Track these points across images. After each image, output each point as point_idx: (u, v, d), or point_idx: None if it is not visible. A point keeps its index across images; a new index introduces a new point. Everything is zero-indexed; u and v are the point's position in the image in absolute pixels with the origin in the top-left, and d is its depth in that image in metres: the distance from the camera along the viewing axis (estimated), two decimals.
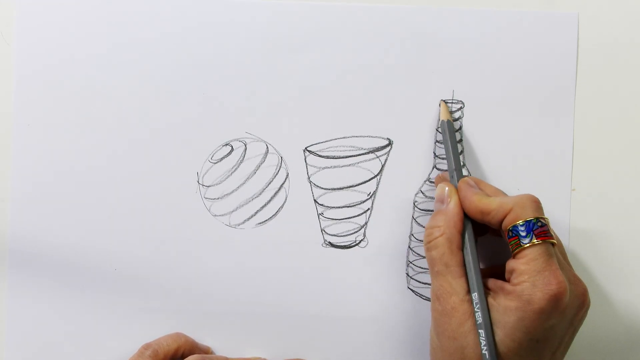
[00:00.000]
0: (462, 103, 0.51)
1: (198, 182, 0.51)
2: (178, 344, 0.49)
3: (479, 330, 0.40)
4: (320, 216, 0.51)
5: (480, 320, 0.40)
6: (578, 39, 0.51)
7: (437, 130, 0.51)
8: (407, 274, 0.52)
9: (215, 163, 0.51)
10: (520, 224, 0.41)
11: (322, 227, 0.51)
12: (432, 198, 0.51)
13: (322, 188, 0.51)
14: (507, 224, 0.42)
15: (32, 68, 0.51)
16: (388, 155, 0.51)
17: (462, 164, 0.51)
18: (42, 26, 0.51)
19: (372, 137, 0.51)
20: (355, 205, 0.52)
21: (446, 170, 0.51)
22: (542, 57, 0.51)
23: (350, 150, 0.51)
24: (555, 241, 0.41)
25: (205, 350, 0.51)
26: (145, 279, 0.51)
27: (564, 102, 0.51)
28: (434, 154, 0.51)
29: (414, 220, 0.51)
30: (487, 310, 0.41)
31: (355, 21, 0.51)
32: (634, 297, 0.52)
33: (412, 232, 0.51)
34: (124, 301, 0.51)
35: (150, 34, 0.51)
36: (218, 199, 0.51)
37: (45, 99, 0.51)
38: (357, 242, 0.52)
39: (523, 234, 0.41)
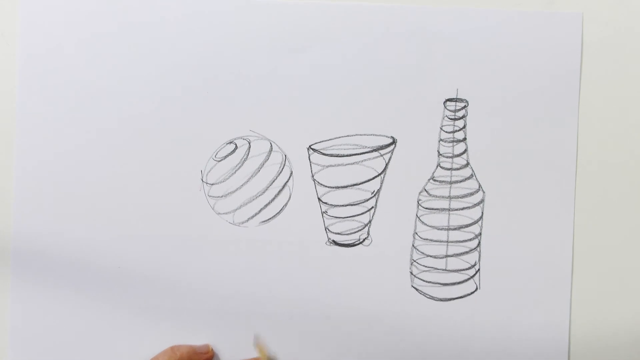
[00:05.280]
0: (467, 102, 0.51)
1: (202, 180, 0.51)
2: None
3: None
4: (324, 214, 0.51)
5: None
6: (582, 39, 0.51)
7: (441, 128, 0.51)
8: (411, 273, 0.52)
9: (219, 161, 0.51)
10: None
11: (326, 225, 0.51)
12: (437, 196, 0.51)
13: (326, 186, 0.51)
14: None
15: (36, 67, 0.51)
16: (392, 153, 0.51)
17: (466, 162, 0.51)
18: (45, 26, 0.51)
19: (376, 135, 0.51)
20: (359, 203, 0.52)
21: (449, 169, 0.51)
22: (546, 57, 0.51)
23: (354, 149, 0.51)
24: None
25: (204, 350, 0.51)
26: (148, 277, 0.51)
27: (568, 102, 0.51)
28: (438, 152, 0.51)
29: (417, 219, 0.51)
30: None
31: (359, 20, 0.51)
32: (637, 296, 0.52)
33: (416, 231, 0.51)
34: (127, 299, 0.51)
35: (154, 33, 0.51)
36: (222, 196, 0.51)
37: (49, 99, 0.51)
38: (360, 240, 0.52)
39: None
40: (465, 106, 0.51)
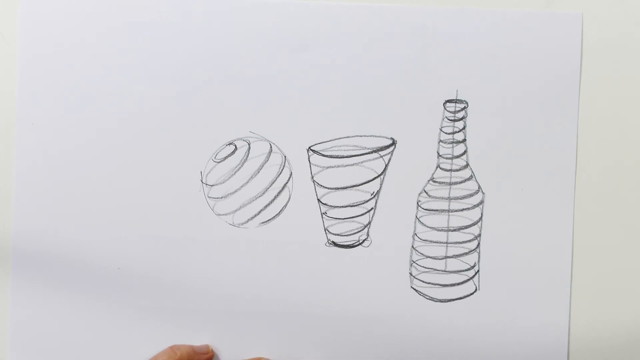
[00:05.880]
0: (466, 103, 0.51)
1: (202, 181, 0.51)
2: None
3: None
4: (324, 215, 0.51)
5: None
6: (582, 39, 0.51)
7: (440, 130, 0.51)
8: (411, 274, 0.52)
9: (218, 162, 0.51)
10: None
11: (325, 226, 0.52)
12: (436, 197, 0.51)
13: (326, 187, 0.51)
14: None
15: (36, 68, 0.51)
16: (392, 154, 0.51)
17: (465, 163, 0.51)
18: (45, 25, 0.51)
19: (375, 136, 0.51)
20: (358, 204, 0.52)
21: (449, 170, 0.51)
22: (546, 58, 0.51)
23: (353, 150, 0.51)
24: None
25: (204, 351, 0.51)
26: (148, 278, 0.51)
27: (567, 103, 0.51)
28: (438, 153, 0.51)
29: (417, 220, 0.51)
30: None
31: (359, 20, 0.51)
32: (637, 296, 0.52)
33: (416, 232, 0.51)
34: (127, 299, 0.51)
35: (153, 34, 0.51)
36: (221, 198, 0.51)
37: (49, 99, 0.51)
38: (360, 241, 0.52)
39: None
40: (465, 107, 0.51)
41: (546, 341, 0.51)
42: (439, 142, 0.51)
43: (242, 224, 0.51)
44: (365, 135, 0.51)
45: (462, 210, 0.51)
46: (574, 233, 0.51)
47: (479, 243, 0.51)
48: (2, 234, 0.51)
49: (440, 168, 0.51)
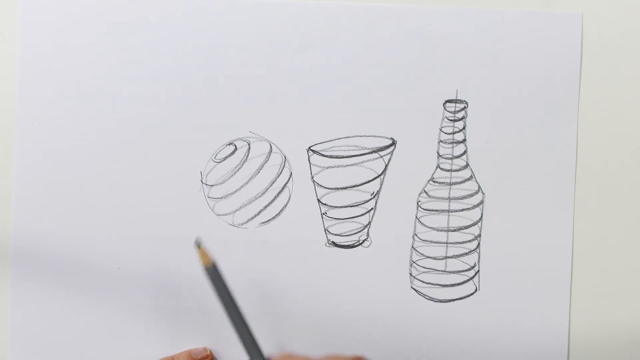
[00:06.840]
0: (466, 103, 0.51)
1: (201, 181, 0.51)
2: None
3: None
4: (324, 216, 0.51)
5: None
6: (582, 39, 0.51)
7: (440, 130, 0.51)
8: (411, 274, 0.52)
9: (218, 162, 0.51)
10: None
11: (325, 226, 0.52)
12: (436, 198, 0.51)
13: (326, 187, 0.51)
14: None
15: (36, 68, 0.51)
16: (392, 155, 0.51)
17: (465, 164, 0.51)
18: (45, 25, 0.51)
19: (375, 136, 0.51)
20: (358, 204, 0.52)
21: (449, 170, 0.51)
22: (546, 58, 0.51)
23: (353, 150, 0.51)
24: None
25: (202, 354, 0.51)
26: (148, 277, 0.51)
27: (567, 102, 0.51)
28: (438, 153, 0.51)
29: (417, 220, 0.51)
30: None
31: (359, 20, 0.51)
32: (637, 296, 0.52)
33: (416, 232, 0.51)
34: (127, 299, 0.51)
35: (154, 34, 0.51)
36: (221, 198, 0.51)
37: (49, 99, 0.51)
38: (360, 241, 0.52)
39: None
40: (464, 107, 0.51)
41: (546, 341, 0.51)
42: (439, 142, 0.51)
43: (242, 224, 0.51)
44: (365, 135, 0.51)
45: (462, 210, 0.51)
46: (574, 232, 0.51)
47: (479, 243, 0.51)
48: (2, 234, 0.51)
49: (440, 168, 0.51)
